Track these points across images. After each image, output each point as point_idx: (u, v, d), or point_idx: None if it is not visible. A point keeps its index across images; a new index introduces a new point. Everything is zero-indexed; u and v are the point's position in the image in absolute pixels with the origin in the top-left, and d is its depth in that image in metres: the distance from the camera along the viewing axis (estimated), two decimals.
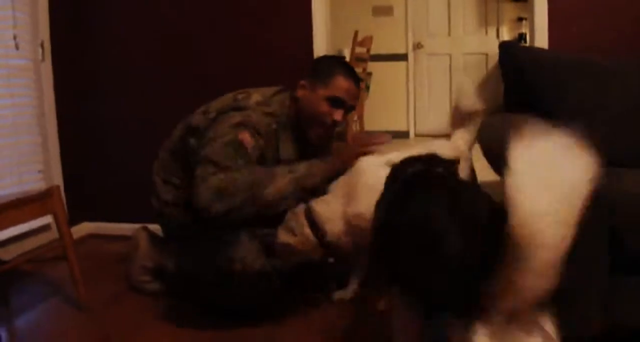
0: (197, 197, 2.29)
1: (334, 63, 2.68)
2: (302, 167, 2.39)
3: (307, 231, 2.37)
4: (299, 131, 2.65)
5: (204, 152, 2.40)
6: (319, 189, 2.36)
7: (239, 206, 2.27)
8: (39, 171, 3.71)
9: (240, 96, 2.56)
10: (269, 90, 2.64)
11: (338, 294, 2.76)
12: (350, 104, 2.63)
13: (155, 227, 2.95)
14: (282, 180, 2.32)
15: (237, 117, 2.47)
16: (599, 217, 2.11)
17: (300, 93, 2.62)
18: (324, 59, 2.78)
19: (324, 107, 2.58)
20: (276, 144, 2.59)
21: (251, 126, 2.45)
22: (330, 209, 2.39)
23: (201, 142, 2.48)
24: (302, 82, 2.63)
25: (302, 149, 2.69)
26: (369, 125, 6.15)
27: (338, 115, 2.60)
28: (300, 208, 2.41)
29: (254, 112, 2.52)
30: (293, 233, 2.38)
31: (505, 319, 1.25)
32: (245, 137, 2.42)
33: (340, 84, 2.58)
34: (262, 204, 2.30)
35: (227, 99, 2.61)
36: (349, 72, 2.65)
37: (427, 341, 1.43)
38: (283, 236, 2.41)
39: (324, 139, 2.70)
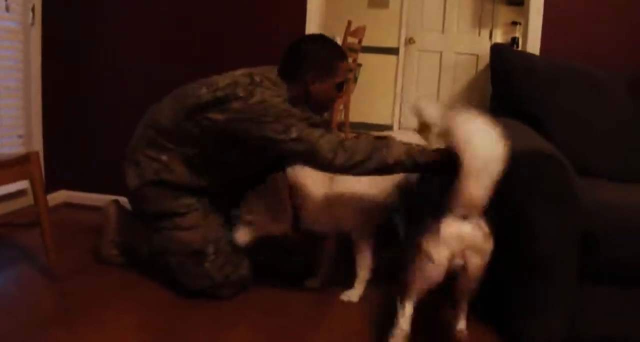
0: (317, 153, 2.33)
1: (328, 49, 2.67)
2: (415, 146, 2.41)
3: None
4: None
5: (272, 108, 2.39)
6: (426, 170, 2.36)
7: (360, 162, 2.31)
8: (20, 136, 3.68)
9: (257, 78, 2.51)
10: (271, 74, 2.60)
11: (309, 283, 2.77)
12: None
13: (126, 201, 2.92)
14: (398, 149, 2.33)
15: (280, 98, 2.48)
16: (571, 225, 2.13)
17: (311, 87, 2.63)
18: (314, 46, 2.72)
19: (334, 92, 2.69)
20: None
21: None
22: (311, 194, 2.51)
23: (240, 111, 2.41)
24: (308, 77, 2.61)
25: None
26: (354, 117, 6.15)
27: (340, 92, 2.74)
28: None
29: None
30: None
31: (461, 216, 1.98)
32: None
33: (342, 68, 2.67)
34: (383, 165, 2.32)
35: (236, 76, 2.51)
36: (341, 52, 2.72)
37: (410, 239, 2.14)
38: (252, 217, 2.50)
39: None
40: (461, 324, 2.24)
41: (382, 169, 2.34)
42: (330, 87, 2.66)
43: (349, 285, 2.72)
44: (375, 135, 2.57)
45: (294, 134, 2.34)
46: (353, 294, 2.71)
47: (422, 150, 2.33)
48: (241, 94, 2.40)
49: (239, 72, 2.55)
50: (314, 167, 2.41)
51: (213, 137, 2.50)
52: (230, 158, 2.58)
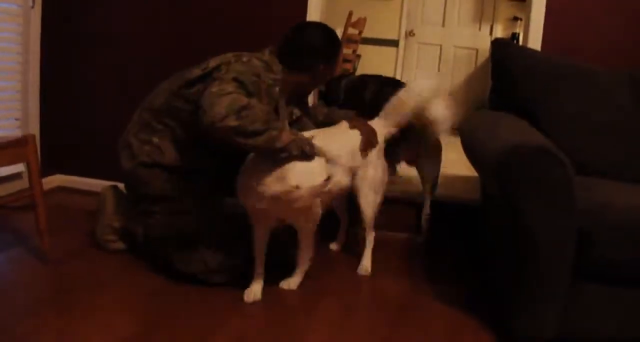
0: (211, 108, 2.22)
1: (329, 39, 2.80)
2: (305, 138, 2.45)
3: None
4: (291, 92, 2.78)
5: (227, 74, 2.41)
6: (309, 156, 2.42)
7: (249, 132, 2.24)
8: (17, 119, 3.67)
9: (244, 58, 2.55)
10: (262, 55, 2.64)
11: (285, 283, 2.73)
12: None
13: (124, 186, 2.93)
14: (287, 135, 2.33)
15: (248, 71, 2.49)
16: (566, 223, 2.13)
17: (317, 74, 2.78)
18: (317, 34, 2.77)
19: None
20: (276, 107, 2.64)
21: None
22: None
23: (211, 78, 2.48)
24: (321, 69, 2.76)
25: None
26: None
27: None
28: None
29: (262, 73, 2.56)
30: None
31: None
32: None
33: (340, 56, 2.82)
34: (269, 145, 2.29)
35: (227, 57, 2.58)
36: (339, 41, 2.89)
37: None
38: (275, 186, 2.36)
39: None
40: None
41: (266, 148, 2.31)
42: (331, 72, 2.85)
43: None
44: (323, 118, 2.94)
45: (214, 88, 2.31)
46: (292, 282, 2.71)
47: (310, 143, 2.43)
48: (223, 66, 2.49)
49: (229, 53, 2.61)
50: (203, 123, 2.26)
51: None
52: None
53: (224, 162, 2.62)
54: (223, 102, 2.23)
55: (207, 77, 2.49)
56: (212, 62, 2.56)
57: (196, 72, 2.58)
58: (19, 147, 2.60)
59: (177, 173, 2.66)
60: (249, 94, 2.37)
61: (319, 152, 2.46)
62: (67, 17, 3.84)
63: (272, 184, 2.33)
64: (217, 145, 2.39)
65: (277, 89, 2.59)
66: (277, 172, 2.34)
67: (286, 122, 2.73)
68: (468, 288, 2.88)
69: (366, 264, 2.97)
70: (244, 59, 2.54)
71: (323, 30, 2.80)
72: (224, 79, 2.36)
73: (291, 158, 2.35)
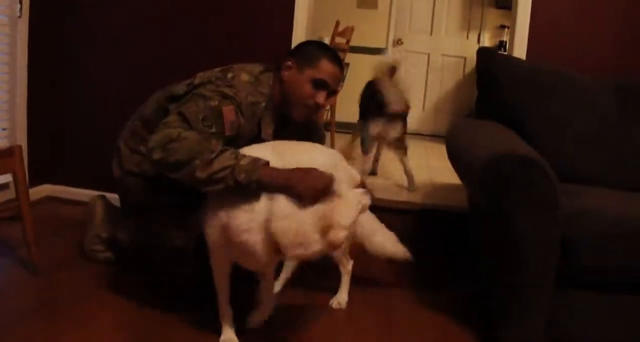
0: (150, 140, 2.22)
1: (321, 47, 2.66)
2: (247, 160, 2.14)
3: None
4: (281, 111, 2.62)
5: (183, 107, 2.34)
6: (250, 189, 2.11)
7: (171, 164, 2.15)
8: (4, 129, 3.66)
9: (229, 75, 2.51)
10: (255, 69, 2.60)
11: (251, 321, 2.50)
12: (333, 89, 2.63)
13: (113, 197, 2.94)
14: (224, 162, 2.13)
15: (227, 90, 2.42)
16: (550, 230, 2.15)
17: (285, 74, 2.57)
18: (310, 42, 2.77)
19: (308, 88, 2.54)
20: (259, 124, 2.56)
21: (237, 104, 2.41)
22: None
23: (183, 99, 2.44)
24: (289, 62, 2.57)
25: (281, 128, 2.68)
26: (340, 116, 6.13)
27: (321, 97, 2.56)
28: None
29: (244, 91, 2.48)
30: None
31: None
32: (229, 111, 2.36)
33: (326, 67, 2.55)
34: (191, 176, 2.13)
35: (213, 73, 2.53)
36: (335, 56, 2.63)
37: None
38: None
39: (305, 119, 2.68)
40: None
41: (192, 182, 2.15)
42: (305, 79, 2.54)
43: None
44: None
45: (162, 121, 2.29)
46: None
47: (252, 168, 2.09)
48: (201, 86, 2.44)
49: (217, 69, 2.57)
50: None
51: None
52: None
53: None
54: (157, 136, 2.21)
55: (187, 95, 2.46)
56: (197, 79, 2.50)
57: (182, 87, 2.54)
58: (6, 157, 2.60)
59: (164, 184, 2.65)
60: (191, 127, 2.26)
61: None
62: (54, 28, 3.84)
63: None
64: None
65: (262, 105, 2.52)
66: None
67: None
68: (456, 296, 2.89)
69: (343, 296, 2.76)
70: (229, 76, 2.48)
71: (318, 41, 2.81)
72: (174, 111, 2.35)
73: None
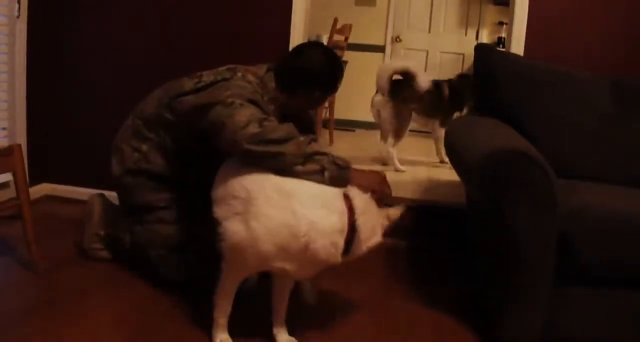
0: (232, 116, 2.20)
1: (330, 66, 2.60)
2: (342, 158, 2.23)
3: None
4: (283, 110, 2.63)
5: (228, 91, 2.32)
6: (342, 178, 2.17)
7: (272, 139, 2.13)
8: (3, 128, 3.67)
9: (239, 74, 2.51)
10: (259, 71, 2.59)
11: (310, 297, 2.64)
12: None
13: (111, 194, 2.96)
14: (316, 147, 2.19)
15: (250, 94, 2.37)
16: (548, 227, 2.15)
17: (316, 97, 2.64)
18: (317, 63, 2.58)
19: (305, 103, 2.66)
20: None
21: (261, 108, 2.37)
22: None
23: (200, 98, 2.40)
24: (317, 94, 2.61)
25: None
26: (339, 114, 6.16)
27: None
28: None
29: (259, 91, 2.48)
30: None
31: None
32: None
33: (322, 100, 2.69)
34: (297, 149, 2.14)
35: (221, 73, 2.49)
36: (340, 67, 2.65)
37: None
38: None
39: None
40: None
41: (295, 157, 2.13)
42: (302, 100, 2.62)
43: None
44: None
45: (230, 101, 2.28)
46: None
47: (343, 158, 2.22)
48: (221, 83, 2.41)
49: (223, 68, 2.56)
50: (224, 137, 2.23)
51: (185, 124, 2.52)
52: (204, 149, 2.50)
53: (212, 174, 2.64)
54: (244, 113, 2.21)
55: (200, 91, 2.43)
56: (206, 77, 2.47)
57: (188, 85, 2.51)
58: (6, 156, 2.60)
59: (164, 183, 2.67)
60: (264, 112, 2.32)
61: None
62: (53, 27, 3.85)
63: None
64: (207, 158, 2.41)
65: (271, 107, 2.52)
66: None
67: None
68: (454, 294, 2.89)
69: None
70: (239, 75, 2.47)
71: (325, 56, 2.59)
72: (235, 99, 2.30)
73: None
